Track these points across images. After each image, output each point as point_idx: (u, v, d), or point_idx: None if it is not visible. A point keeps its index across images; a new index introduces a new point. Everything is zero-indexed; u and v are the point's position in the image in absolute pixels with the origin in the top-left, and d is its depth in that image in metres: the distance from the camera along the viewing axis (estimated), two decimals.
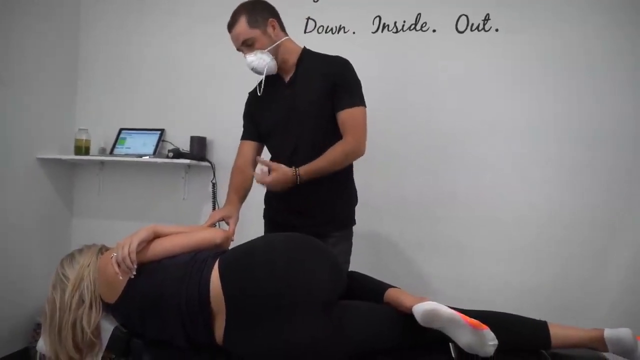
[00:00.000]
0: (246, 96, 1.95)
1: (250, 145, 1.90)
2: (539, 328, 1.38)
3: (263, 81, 1.80)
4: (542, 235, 2.31)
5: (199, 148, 2.64)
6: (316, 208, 1.79)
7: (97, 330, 1.38)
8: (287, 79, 1.81)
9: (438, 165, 2.43)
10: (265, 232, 1.94)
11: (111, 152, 2.75)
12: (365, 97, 1.78)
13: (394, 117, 2.45)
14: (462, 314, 1.26)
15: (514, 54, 2.35)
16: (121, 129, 2.79)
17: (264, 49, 1.72)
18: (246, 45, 1.73)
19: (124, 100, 2.85)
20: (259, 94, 1.83)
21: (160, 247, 1.39)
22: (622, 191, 2.23)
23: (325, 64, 1.76)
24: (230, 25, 1.74)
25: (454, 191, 2.41)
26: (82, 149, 2.70)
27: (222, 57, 2.68)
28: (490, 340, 1.24)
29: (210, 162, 2.66)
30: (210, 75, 2.73)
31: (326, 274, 1.34)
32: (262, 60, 1.72)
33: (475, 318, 1.26)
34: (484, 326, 1.24)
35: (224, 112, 2.68)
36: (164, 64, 2.80)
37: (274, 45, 1.74)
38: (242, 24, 1.71)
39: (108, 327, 1.40)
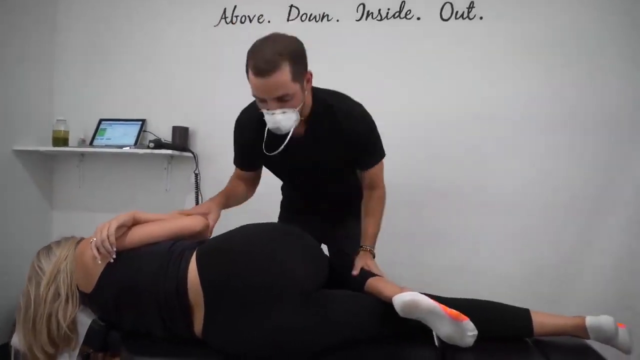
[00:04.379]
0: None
1: (250, 174, 1.73)
2: (522, 316, 1.38)
3: (287, 141, 1.44)
4: (528, 223, 2.31)
5: (181, 138, 2.60)
6: (334, 206, 1.80)
7: (73, 324, 1.35)
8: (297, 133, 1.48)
9: (424, 154, 2.41)
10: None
11: (91, 143, 2.69)
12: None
13: (378, 105, 2.41)
14: (442, 305, 1.25)
15: (499, 42, 2.34)
16: (101, 120, 2.73)
17: (296, 108, 1.38)
18: (279, 100, 1.34)
19: (103, 89, 2.78)
20: (266, 153, 1.50)
21: (139, 234, 1.36)
22: (610, 178, 2.24)
23: (344, 122, 1.51)
24: (267, 71, 1.27)
25: (440, 180, 2.40)
26: (60, 140, 2.64)
27: (205, 45, 2.64)
28: (469, 331, 1.25)
29: (192, 153, 2.62)
30: (192, 64, 2.67)
31: (305, 263, 1.33)
32: (290, 120, 1.38)
33: (457, 307, 1.26)
34: (464, 317, 1.24)
35: (207, 102, 2.65)
36: (144, 52, 2.74)
37: (302, 104, 1.41)
38: (286, 74, 1.29)
39: (85, 321, 1.37)
